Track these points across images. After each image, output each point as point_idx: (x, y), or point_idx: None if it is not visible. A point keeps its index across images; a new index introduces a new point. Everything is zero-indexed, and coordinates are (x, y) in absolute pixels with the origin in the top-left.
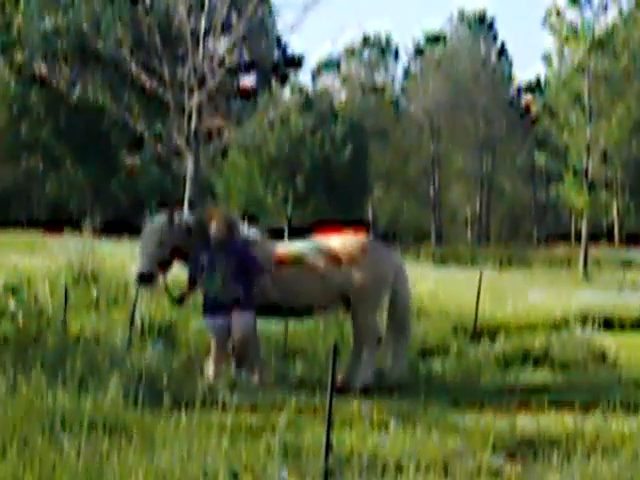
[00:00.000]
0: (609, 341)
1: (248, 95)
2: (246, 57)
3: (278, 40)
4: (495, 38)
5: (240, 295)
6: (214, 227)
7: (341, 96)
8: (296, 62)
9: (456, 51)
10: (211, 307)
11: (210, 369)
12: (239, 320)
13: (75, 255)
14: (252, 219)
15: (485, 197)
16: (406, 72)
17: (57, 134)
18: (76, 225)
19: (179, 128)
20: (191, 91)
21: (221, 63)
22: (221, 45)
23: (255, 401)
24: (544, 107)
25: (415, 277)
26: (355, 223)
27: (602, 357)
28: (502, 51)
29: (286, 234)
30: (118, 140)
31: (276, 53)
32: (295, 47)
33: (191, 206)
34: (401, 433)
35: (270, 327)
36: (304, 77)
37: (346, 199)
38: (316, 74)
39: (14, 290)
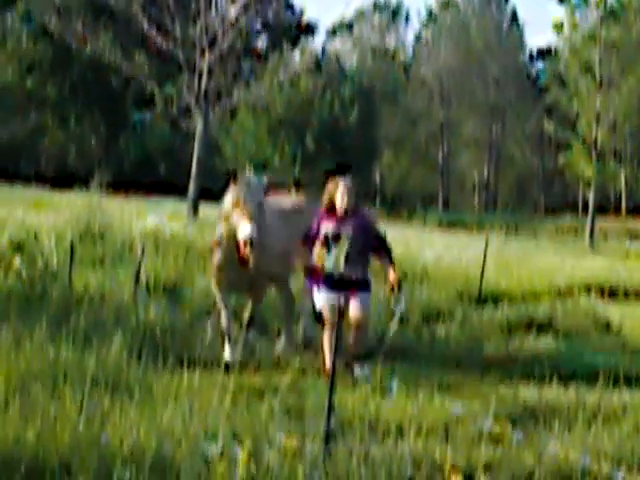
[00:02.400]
0: (613, 310)
1: (259, 56)
2: (258, 19)
3: (290, 5)
4: (507, 4)
5: (362, 274)
6: (343, 194)
7: (352, 59)
8: (309, 29)
9: (468, 17)
10: (327, 283)
11: (327, 355)
12: (362, 300)
13: (82, 212)
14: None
15: (493, 164)
16: (417, 37)
17: (67, 90)
18: (84, 182)
19: (189, 87)
20: (202, 51)
21: (233, 24)
22: (233, 5)
23: (259, 361)
24: (554, 75)
25: (421, 242)
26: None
27: (606, 326)
28: (514, 18)
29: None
30: (127, 97)
31: (288, 16)
32: (309, 11)
33: (199, 165)
34: (403, 397)
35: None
36: (317, 39)
37: (354, 163)
38: (329, 36)
39: (20, 246)
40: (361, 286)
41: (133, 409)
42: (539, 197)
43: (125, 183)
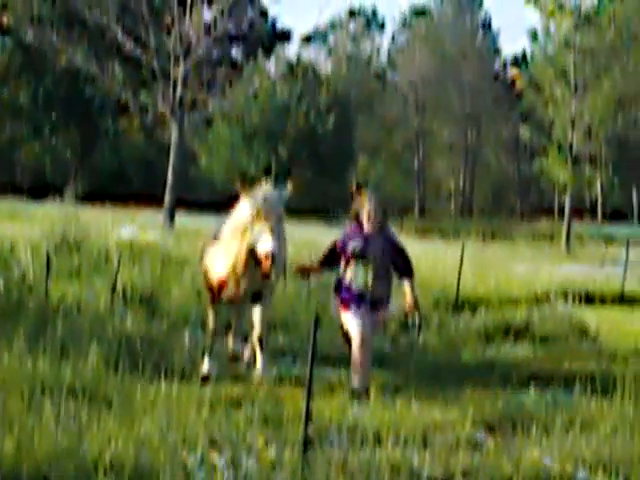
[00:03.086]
0: (590, 315)
1: (234, 65)
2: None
3: (264, 12)
4: (480, 11)
5: (386, 294)
6: (370, 209)
7: (327, 67)
8: (284, 36)
9: (442, 24)
10: (357, 301)
11: (355, 376)
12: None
13: (58, 222)
14: None
15: (469, 170)
16: (392, 45)
17: (41, 100)
18: (59, 192)
19: (164, 97)
20: (177, 60)
21: (207, 32)
22: (208, 13)
23: (236, 372)
24: (529, 81)
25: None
26: None
27: (583, 331)
28: (488, 25)
29: None
30: (102, 108)
31: (263, 25)
32: (283, 20)
33: (175, 175)
34: (381, 404)
35: None
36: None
37: (330, 170)
38: (302, 44)
39: None
40: (379, 306)
41: (111, 419)
42: (515, 203)
43: (100, 194)
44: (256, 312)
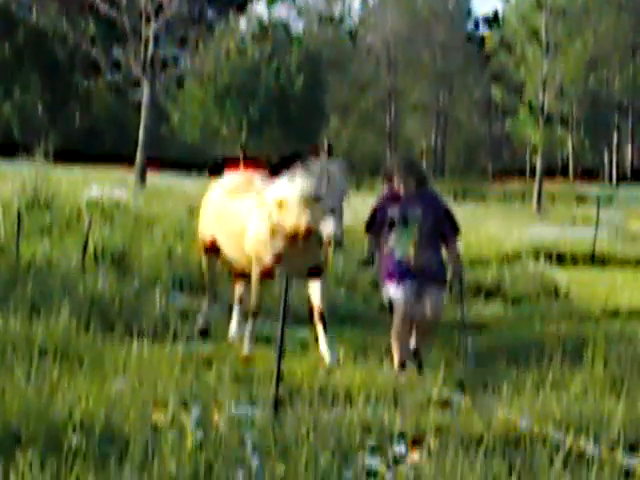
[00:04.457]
0: (561, 275)
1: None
2: None
3: None
4: None
5: (435, 261)
6: (402, 175)
7: (298, 26)
8: None
9: None
10: (399, 271)
11: (395, 355)
12: (436, 299)
13: (29, 181)
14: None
15: (441, 130)
16: (364, 3)
17: (13, 58)
18: (29, 151)
19: (136, 55)
20: (148, 18)
21: None
22: None
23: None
24: (501, 42)
25: (369, 209)
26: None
27: (554, 291)
28: None
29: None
30: (73, 65)
31: None
32: None
33: (146, 134)
34: (352, 364)
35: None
36: (261, 7)
37: (302, 129)
38: (272, 3)
39: None
40: (436, 278)
41: (82, 378)
42: (487, 163)
43: (71, 152)
44: (314, 287)
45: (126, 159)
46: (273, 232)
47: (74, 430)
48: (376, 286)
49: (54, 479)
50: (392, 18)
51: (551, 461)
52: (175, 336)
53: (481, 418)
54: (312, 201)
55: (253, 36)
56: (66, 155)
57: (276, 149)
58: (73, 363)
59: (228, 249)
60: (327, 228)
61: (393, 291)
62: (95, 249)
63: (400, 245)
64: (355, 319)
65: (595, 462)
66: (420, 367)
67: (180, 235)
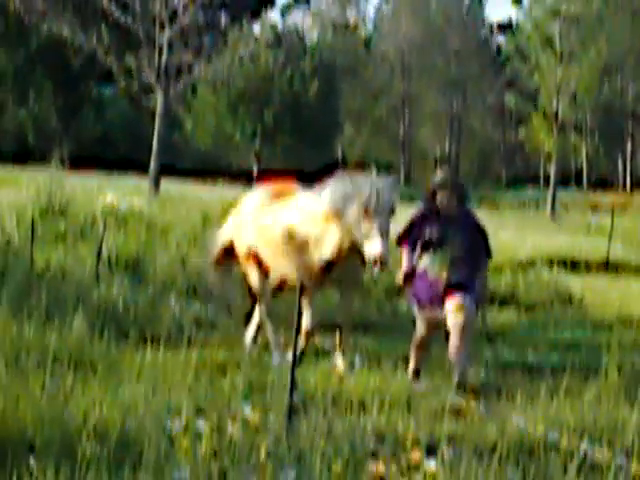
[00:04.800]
0: (575, 283)
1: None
2: None
3: None
4: None
5: (466, 279)
6: (448, 192)
7: (312, 34)
8: (270, 1)
9: None
10: (428, 298)
11: (411, 362)
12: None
13: (43, 188)
14: None
15: (455, 138)
16: (378, 10)
17: (27, 66)
18: (43, 158)
19: (149, 63)
20: (162, 25)
21: None
22: None
23: (221, 338)
24: (515, 49)
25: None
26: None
27: (568, 298)
28: None
29: (255, 174)
30: (88, 73)
31: None
32: None
33: (160, 141)
34: (366, 371)
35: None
36: (276, 14)
37: (315, 136)
38: (286, 10)
39: None
40: (464, 286)
41: (96, 385)
42: (501, 170)
43: (85, 159)
44: (343, 299)
45: (140, 166)
46: (317, 245)
47: (88, 437)
48: (389, 294)
49: None
50: (406, 25)
51: (565, 469)
52: (189, 343)
53: (495, 426)
54: (360, 218)
55: (267, 43)
56: (80, 162)
57: (289, 156)
58: (87, 370)
59: (271, 261)
60: (373, 248)
61: (418, 314)
62: (109, 256)
63: (433, 267)
64: (368, 326)
65: (609, 470)
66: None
67: (194, 242)
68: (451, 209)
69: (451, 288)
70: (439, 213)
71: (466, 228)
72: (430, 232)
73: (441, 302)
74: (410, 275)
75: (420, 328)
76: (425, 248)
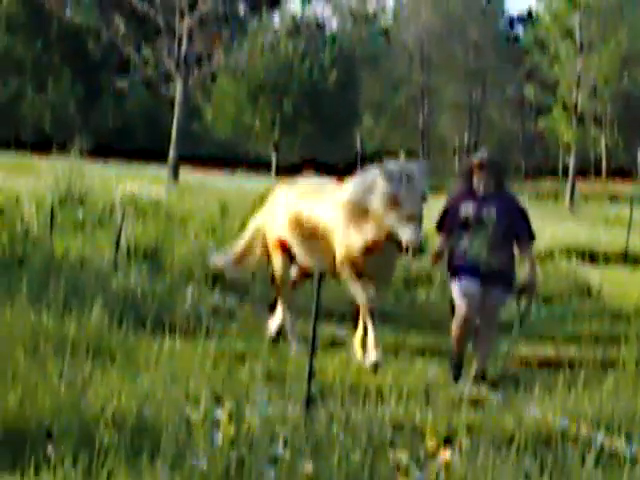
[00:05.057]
0: (594, 274)
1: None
2: None
3: None
4: None
5: (506, 266)
6: (485, 173)
7: (332, 23)
8: None
9: None
10: (468, 269)
11: (453, 353)
12: (497, 295)
13: (62, 177)
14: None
15: (474, 128)
16: (397, 1)
17: (46, 55)
18: (62, 147)
19: (169, 52)
20: (182, 15)
21: None
22: None
23: (239, 328)
24: (535, 40)
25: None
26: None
27: (586, 290)
28: None
29: (274, 164)
30: (107, 62)
31: None
32: None
33: (179, 131)
34: (384, 362)
35: None
36: (295, 4)
37: (334, 126)
38: (306, 0)
39: (0, 210)
40: (503, 279)
41: (114, 373)
42: (520, 161)
43: (105, 149)
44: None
45: (159, 155)
46: (356, 234)
47: (106, 425)
48: (407, 284)
49: (86, 474)
50: (426, 16)
51: (583, 460)
52: (207, 332)
53: (513, 416)
54: (390, 205)
55: (287, 33)
56: (99, 151)
57: (308, 146)
58: (105, 359)
59: (305, 251)
60: (405, 235)
61: (458, 292)
62: (128, 245)
63: (473, 246)
64: (386, 317)
65: (627, 461)
66: (483, 378)
67: (212, 231)
68: (487, 190)
69: (495, 280)
70: (474, 194)
71: (503, 209)
72: (466, 211)
73: (479, 276)
74: (441, 254)
75: (460, 307)
76: (463, 228)
